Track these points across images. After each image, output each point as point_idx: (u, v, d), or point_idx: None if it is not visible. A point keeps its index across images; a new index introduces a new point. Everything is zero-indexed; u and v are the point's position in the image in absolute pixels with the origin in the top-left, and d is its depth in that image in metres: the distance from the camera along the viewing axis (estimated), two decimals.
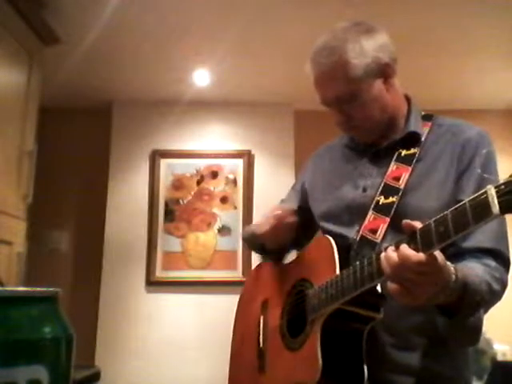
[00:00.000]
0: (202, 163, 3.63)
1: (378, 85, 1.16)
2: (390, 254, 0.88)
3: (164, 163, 3.66)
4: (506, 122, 3.85)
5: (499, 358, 2.91)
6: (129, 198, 3.62)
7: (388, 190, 1.13)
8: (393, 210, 1.11)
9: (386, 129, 1.21)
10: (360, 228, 1.14)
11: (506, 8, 2.54)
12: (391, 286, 0.89)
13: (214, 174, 3.63)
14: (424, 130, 1.19)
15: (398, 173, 1.15)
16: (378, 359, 1.05)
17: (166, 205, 3.61)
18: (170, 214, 3.60)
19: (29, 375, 0.43)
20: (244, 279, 1.45)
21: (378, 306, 1.02)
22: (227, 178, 3.63)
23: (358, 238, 1.12)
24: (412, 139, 1.18)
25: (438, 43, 2.91)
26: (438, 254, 0.86)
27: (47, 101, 2.91)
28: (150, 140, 3.67)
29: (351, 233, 1.17)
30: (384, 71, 1.16)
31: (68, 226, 3.70)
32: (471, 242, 1.06)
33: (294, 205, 1.36)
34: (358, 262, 0.98)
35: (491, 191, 0.73)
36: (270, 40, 2.87)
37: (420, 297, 0.88)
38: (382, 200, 1.13)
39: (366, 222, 1.13)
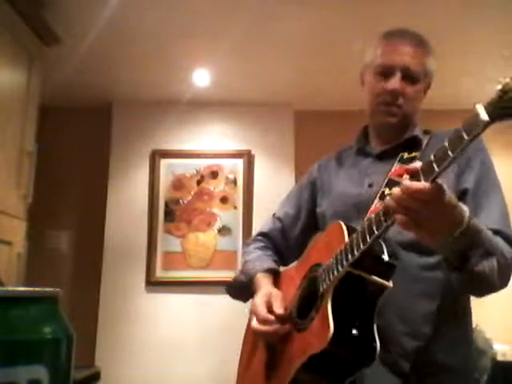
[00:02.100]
0: (201, 163, 3.63)
1: (423, 92, 1.30)
2: (393, 189, 0.91)
3: (164, 163, 3.66)
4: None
5: (499, 358, 2.91)
6: (129, 198, 3.62)
7: (392, 184, 1.18)
8: None
9: (399, 131, 1.30)
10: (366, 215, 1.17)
11: (505, 8, 2.55)
12: (398, 217, 0.90)
13: (214, 174, 3.63)
14: (424, 139, 1.29)
15: (402, 171, 1.18)
16: (386, 340, 1.05)
17: (166, 205, 3.61)
18: (169, 214, 3.60)
19: (29, 375, 0.43)
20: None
21: (388, 276, 1.03)
22: (227, 177, 3.63)
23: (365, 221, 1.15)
24: (414, 143, 1.27)
25: (437, 43, 2.91)
26: (444, 186, 0.89)
27: (47, 101, 2.91)
28: (150, 140, 3.67)
29: (358, 225, 1.18)
30: (427, 89, 1.32)
31: (68, 226, 3.69)
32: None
33: (294, 229, 1.44)
34: (365, 222, 1.01)
35: (478, 105, 0.78)
36: (270, 40, 2.87)
37: (430, 230, 0.91)
38: (387, 191, 1.17)
39: (373, 207, 1.17)
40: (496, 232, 1.09)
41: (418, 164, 0.90)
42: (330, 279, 1.06)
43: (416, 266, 1.15)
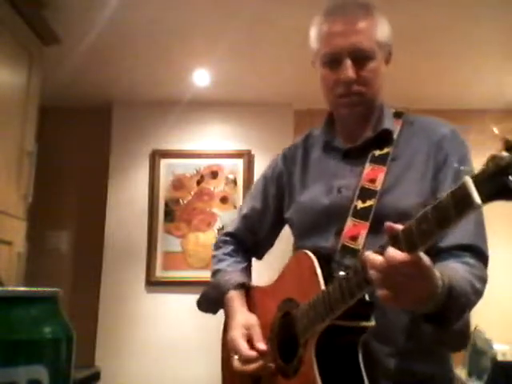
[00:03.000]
0: (202, 163, 3.63)
1: (383, 66, 1.18)
2: (375, 258, 0.83)
3: (164, 163, 3.66)
4: (506, 122, 3.85)
5: (499, 358, 2.91)
6: (129, 198, 3.62)
7: (365, 194, 1.10)
8: (371, 213, 1.08)
9: (366, 119, 1.20)
10: (339, 234, 1.10)
11: (505, 8, 2.54)
12: (380, 292, 0.84)
13: (214, 174, 3.63)
14: (395, 128, 1.18)
15: (374, 174, 1.12)
16: (373, 370, 1.02)
17: (166, 205, 3.61)
18: (169, 214, 3.60)
19: (29, 375, 0.43)
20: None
21: (368, 315, 0.99)
22: (227, 178, 3.62)
23: (338, 248, 1.09)
24: (385, 137, 1.17)
25: (437, 43, 2.91)
26: (424, 256, 0.82)
27: (47, 101, 2.91)
28: (150, 140, 3.67)
29: (329, 240, 1.13)
30: (388, 58, 1.19)
31: (68, 226, 3.69)
32: (449, 240, 1.04)
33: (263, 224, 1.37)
34: (342, 273, 0.94)
35: (468, 182, 0.70)
36: (270, 40, 2.87)
37: (410, 301, 0.85)
38: (359, 204, 1.10)
39: (346, 229, 1.09)
40: (467, 247, 1.04)
41: (399, 227, 0.82)
42: (311, 330, 1.01)
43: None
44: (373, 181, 1.11)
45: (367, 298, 0.97)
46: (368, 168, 1.13)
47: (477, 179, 0.70)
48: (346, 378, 0.99)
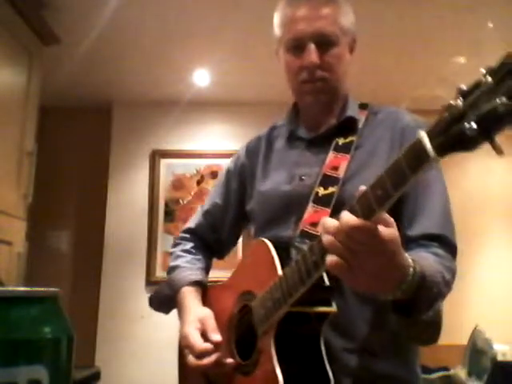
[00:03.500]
0: (201, 163, 3.63)
1: (347, 53, 1.16)
2: (327, 220, 0.78)
3: (164, 163, 3.66)
4: None
5: (499, 357, 2.91)
6: (129, 198, 3.62)
7: (327, 181, 1.07)
8: (333, 200, 1.04)
9: (330, 108, 1.18)
10: (299, 222, 1.06)
11: (505, 8, 2.54)
12: (329, 258, 0.76)
13: (214, 174, 3.63)
14: (360, 118, 1.16)
15: (337, 162, 1.09)
16: (331, 364, 0.95)
17: (166, 205, 3.61)
18: (169, 214, 3.60)
19: (29, 375, 0.43)
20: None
21: (328, 300, 0.94)
22: None
23: (297, 234, 1.04)
24: (349, 125, 1.14)
25: (437, 43, 2.91)
26: (385, 229, 0.75)
27: (47, 101, 2.91)
28: (150, 140, 3.67)
29: (288, 228, 1.09)
30: (352, 46, 1.18)
31: (68, 226, 3.70)
32: (417, 229, 1.01)
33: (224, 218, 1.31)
34: (299, 255, 0.89)
35: (422, 135, 0.66)
36: (270, 40, 2.86)
37: (370, 280, 0.77)
38: (321, 191, 1.06)
39: (306, 215, 1.05)
40: (435, 237, 1.00)
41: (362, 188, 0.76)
42: (268, 320, 0.95)
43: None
44: (336, 168, 1.08)
45: (327, 282, 0.92)
46: (331, 156, 1.10)
47: (431, 132, 0.65)
48: (308, 367, 0.94)
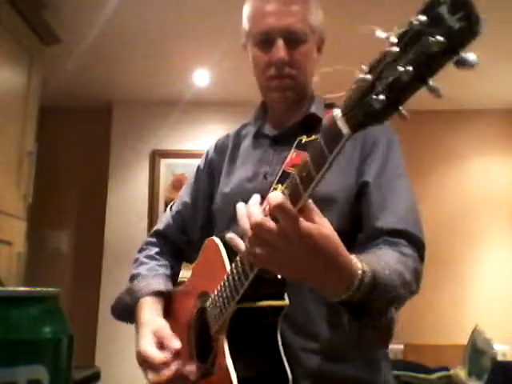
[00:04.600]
0: None
1: (315, 51, 1.15)
2: (249, 209, 0.75)
3: (164, 163, 3.66)
4: (506, 121, 3.85)
5: (499, 357, 2.91)
6: (129, 198, 3.62)
7: (285, 178, 1.02)
8: None
9: (296, 105, 1.16)
10: None
11: (505, 9, 2.54)
12: (251, 250, 0.74)
13: None
14: (325, 116, 1.12)
15: (298, 160, 1.05)
16: (290, 365, 0.92)
17: (166, 205, 3.60)
18: None
19: (29, 375, 0.43)
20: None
21: (280, 293, 0.90)
22: None
23: None
24: (313, 123, 1.12)
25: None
26: (310, 226, 0.71)
27: (47, 101, 2.91)
28: (149, 140, 3.67)
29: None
30: (320, 45, 1.17)
31: (68, 226, 3.70)
32: (383, 222, 0.98)
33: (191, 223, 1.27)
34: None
35: (336, 112, 0.64)
36: None
37: (295, 271, 0.74)
38: (279, 188, 1.02)
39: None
40: (401, 232, 0.97)
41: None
42: (220, 319, 0.92)
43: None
44: (295, 166, 1.03)
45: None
46: (293, 154, 1.08)
47: (344, 108, 0.63)
48: (266, 364, 0.91)
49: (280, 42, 1.08)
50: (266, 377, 0.90)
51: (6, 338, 0.42)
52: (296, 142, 1.09)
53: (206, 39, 2.90)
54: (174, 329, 1.06)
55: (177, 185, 3.63)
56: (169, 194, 3.62)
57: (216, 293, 0.94)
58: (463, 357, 3.09)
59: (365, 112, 0.60)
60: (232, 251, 0.91)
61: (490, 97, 3.58)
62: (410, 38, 0.55)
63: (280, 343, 0.91)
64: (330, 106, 1.16)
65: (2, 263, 2.20)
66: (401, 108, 0.58)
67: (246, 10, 1.18)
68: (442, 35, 0.52)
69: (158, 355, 0.98)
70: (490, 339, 3.02)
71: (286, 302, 0.90)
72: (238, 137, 1.30)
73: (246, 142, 1.25)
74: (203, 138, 3.70)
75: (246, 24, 1.18)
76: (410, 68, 0.54)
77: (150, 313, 1.12)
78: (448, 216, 3.58)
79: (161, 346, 1.00)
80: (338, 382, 0.98)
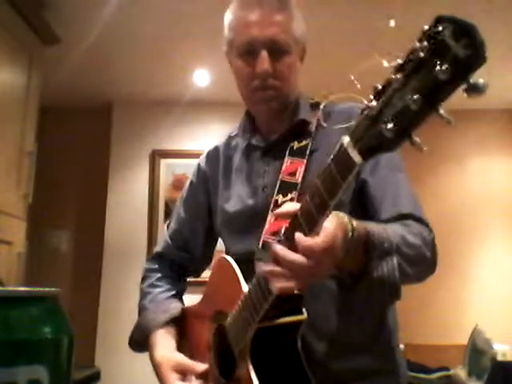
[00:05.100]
0: None
1: (298, 62, 1.15)
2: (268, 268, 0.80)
3: (164, 163, 3.66)
4: (506, 121, 3.85)
5: (499, 358, 2.91)
6: (129, 198, 3.62)
7: (285, 187, 1.06)
8: None
9: (282, 114, 1.15)
10: (261, 234, 1.04)
11: (506, 9, 2.54)
12: (275, 285, 0.79)
13: None
14: (313, 119, 1.13)
15: (293, 167, 1.07)
16: (315, 372, 0.95)
17: (166, 205, 3.61)
18: (169, 214, 3.59)
19: (29, 375, 0.43)
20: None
21: (298, 308, 0.92)
22: None
23: (260, 245, 1.03)
24: (302, 128, 1.13)
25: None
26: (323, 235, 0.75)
27: (47, 101, 2.91)
28: (149, 140, 3.67)
29: (250, 240, 1.06)
30: (302, 55, 1.16)
31: (68, 226, 3.69)
32: (388, 213, 1.00)
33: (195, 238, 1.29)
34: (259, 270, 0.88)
35: (346, 141, 0.65)
36: None
37: (319, 273, 0.78)
38: (280, 199, 1.05)
39: (267, 225, 1.04)
40: (407, 216, 0.99)
41: (294, 207, 0.78)
42: (242, 339, 0.94)
43: (322, 283, 1.02)
44: (293, 174, 1.07)
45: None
46: (287, 162, 1.09)
47: (353, 136, 0.64)
48: (290, 380, 0.94)
49: (264, 54, 1.07)
50: None
51: (6, 338, 0.42)
52: (288, 150, 1.10)
53: (206, 39, 2.90)
54: (191, 349, 1.11)
55: (177, 185, 3.63)
56: (169, 194, 3.62)
57: (234, 313, 0.96)
58: (463, 357, 3.09)
59: (376, 141, 0.60)
60: (247, 270, 0.96)
61: (490, 97, 3.58)
62: (413, 66, 0.55)
63: (302, 355, 0.93)
64: (315, 106, 1.16)
65: (2, 263, 2.20)
66: (413, 135, 0.58)
67: (228, 18, 1.16)
68: (448, 64, 0.52)
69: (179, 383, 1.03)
70: (489, 339, 3.02)
71: (305, 316, 0.92)
72: (228, 149, 1.28)
73: (238, 156, 1.24)
74: (203, 138, 3.70)
75: (228, 33, 1.16)
76: (417, 96, 0.55)
77: (164, 349, 1.13)
78: (448, 216, 3.58)
79: (185, 376, 1.05)
80: (361, 376, 1.02)
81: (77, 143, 3.77)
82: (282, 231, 0.82)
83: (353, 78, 0.66)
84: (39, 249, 3.46)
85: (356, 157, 0.64)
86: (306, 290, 0.90)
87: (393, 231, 0.90)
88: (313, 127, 1.12)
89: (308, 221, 0.75)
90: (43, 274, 3.35)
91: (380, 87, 0.60)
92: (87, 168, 3.76)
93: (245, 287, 0.94)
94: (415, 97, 0.55)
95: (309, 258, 0.74)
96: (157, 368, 1.11)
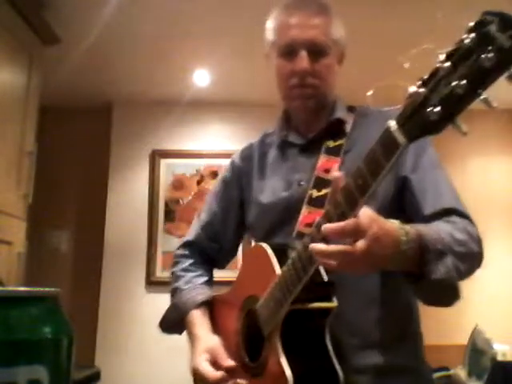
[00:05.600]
0: (201, 163, 3.63)
1: (336, 64, 1.20)
2: (313, 246, 0.82)
3: (164, 163, 3.66)
4: (507, 122, 3.85)
5: (499, 358, 2.91)
6: (129, 198, 3.62)
7: (320, 183, 1.10)
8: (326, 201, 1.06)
9: (318, 113, 1.20)
10: (294, 226, 1.09)
11: (506, 9, 2.54)
12: (333, 267, 0.81)
13: (214, 174, 3.63)
14: (348, 120, 1.19)
15: (328, 165, 1.12)
16: (341, 362, 0.97)
17: (166, 205, 3.61)
18: (169, 214, 3.59)
19: (29, 375, 0.43)
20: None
21: (328, 295, 0.96)
22: None
23: (294, 235, 1.07)
24: (337, 128, 1.17)
25: (438, 43, 2.91)
26: (372, 215, 0.79)
27: (47, 101, 2.91)
28: (149, 140, 3.67)
29: (287, 233, 1.10)
30: (341, 58, 1.21)
31: (68, 226, 3.69)
32: (431, 208, 1.03)
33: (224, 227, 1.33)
34: (294, 253, 0.92)
35: (392, 124, 0.70)
36: None
37: (368, 260, 0.80)
38: (314, 193, 1.10)
39: (301, 217, 1.09)
40: (449, 211, 1.02)
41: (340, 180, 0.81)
42: (273, 320, 0.97)
43: (356, 277, 1.04)
44: (327, 171, 1.11)
45: (325, 277, 0.95)
46: (322, 159, 1.14)
47: (399, 120, 0.69)
48: (316, 363, 0.96)
49: (303, 53, 1.13)
50: (317, 374, 0.96)
51: (6, 338, 0.42)
52: (324, 148, 1.15)
53: (206, 39, 2.90)
54: (220, 333, 1.16)
55: (177, 185, 3.63)
56: (169, 194, 3.62)
57: (266, 295, 1.00)
58: (463, 357, 3.09)
59: (422, 123, 0.65)
60: (281, 257, 1.00)
61: (491, 97, 3.58)
62: (461, 55, 0.61)
63: (329, 343, 0.96)
64: (351, 109, 1.22)
65: (2, 263, 2.20)
66: (456, 119, 0.63)
67: (271, 22, 1.23)
68: (493, 53, 0.58)
69: (213, 374, 1.06)
70: (489, 339, 3.02)
71: (335, 303, 0.96)
72: (262, 146, 1.33)
73: (273, 152, 1.28)
74: (203, 138, 3.70)
75: (270, 35, 1.23)
76: (464, 82, 0.60)
77: (202, 328, 1.20)
78: None
79: (214, 362, 1.09)
80: (388, 372, 1.04)
81: (77, 143, 3.77)
82: (323, 214, 0.85)
83: (404, 63, 0.74)
84: (39, 249, 3.46)
85: (401, 138, 0.68)
86: (339, 282, 0.95)
87: (442, 230, 0.92)
88: (348, 127, 1.17)
89: (349, 201, 0.78)
90: (43, 273, 3.35)
91: (426, 77, 0.65)
92: (87, 168, 3.76)
93: (278, 271, 0.97)
94: (462, 82, 0.60)
95: (354, 232, 0.77)
96: (194, 342, 1.18)
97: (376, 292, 1.07)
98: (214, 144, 3.69)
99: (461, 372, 3.02)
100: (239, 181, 1.32)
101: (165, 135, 3.68)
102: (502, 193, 3.75)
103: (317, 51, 1.13)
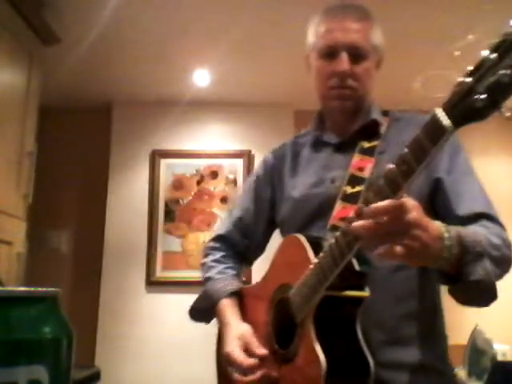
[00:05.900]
0: (202, 163, 3.63)
1: (374, 68, 1.23)
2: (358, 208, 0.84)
3: (164, 163, 3.66)
4: (507, 121, 3.84)
5: (499, 358, 2.91)
6: (129, 198, 3.62)
7: (354, 180, 1.13)
8: (360, 197, 1.08)
9: (355, 115, 1.23)
10: (328, 220, 1.11)
11: (507, 9, 2.54)
12: (372, 249, 0.82)
13: (214, 174, 3.63)
14: (383, 123, 1.22)
15: (362, 164, 1.15)
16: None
17: (166, 205, 3.61)
18: (169, 214, 3.60)
19: (29, 375, 0.43)
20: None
21: (361, 285, 0.99)
22: (227, 178, 3.63)
23: (328, 228, 1.09)
24: (372, 129, 1.21)
25: (438, 43, 2.91)
26: (410, 202, 0.81)
27: (47, 101, 2.91)
28: (149, 140, 3.67)
29: (321, 227, 1.13)
30: (379, 63, 1.25)
31: (68, 226, 3.69)
32: (464, 209, 1.06)
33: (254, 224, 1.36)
34: (332, 240, 0.94)
35: (438, 111, 0.74)
36: (271, 40, 2.87)
37: (409, 250, 0.80)
38: (348, 190, 1.12)
39: (335, 212, 1.11)
40: (482, 215, 1.05)
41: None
42: (306, 306, 0.99)
43: (384, 268, 1.08)
44: (361, 169, 1.14)
45: (357, 267, 0.98)
46: (356, 158, 1.16)
47: (446, 106, 0.73)
48: (347, 349, 0.99)
49: (344, 55, 1.16)
50: (349, 362, 0.98)
51: (6, 338, 0.42)
52: (358, 148, 1.18)
53: (206, 39, 2.90)
54: (251, 322, 1.19)
55: (177, 185, 3.63)
56: (169, 194, 3.62)
57: (300, 282, 1.01)
58: (463, 357, 3.09)
59: (468, 110, 0.70)
60: (315, 247, 1.03)
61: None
62: (507, 47, 0.65)
63: (359, 333, 0.98)
64: (385, 113, 1.25)
65: (2, 263, 2.20)
66: (502, 107, 0.67)
67: (313, 25, 1.26)
68: None
69: (245, 360, 1.09)
70: (489, 339, 3.02)
71: (367, 293, 0.99)
72: (296, 145, 1.36)
73: (306, 151, 1.31)
74: (203, 138, 3.70)
75: (311, 38, 1.26)
76: (510, 71, 0.65)
77: (233, 316, 1.22)
78: None
79: (245, 349, 1.11)
80: (412, 370, 1.06)
81: (77, 143, 3.77)
82: (362, 200, 0.87)
83: (456, 52, 0.80)
84: (39, 249, 3.46)
85: (447, 123, 0.72)
86: (371, 277, 0.97)
87: (479, 233, 0.95)
88: (383, 129, 1.21)
89: (392, 187, 0.80)
90: (43, 274, 3.35)
91: (471, 68, 0.69)
92: (87, 168, 3.76)
93: (314, 259, 0.99)
94: (508, 71, 0.65)
95: (399, 210, 0.79)
96: (224, 328, 1.20)
97: (404, 289, 1.09)
98: (213, 144, 3.69)
99: (461, 372, 3.02)
100: (271, 179, 1.35)
101: (165, 135, 3.68)
102: (502, 193, 3.75)
103: (357, 55, 1.17)
